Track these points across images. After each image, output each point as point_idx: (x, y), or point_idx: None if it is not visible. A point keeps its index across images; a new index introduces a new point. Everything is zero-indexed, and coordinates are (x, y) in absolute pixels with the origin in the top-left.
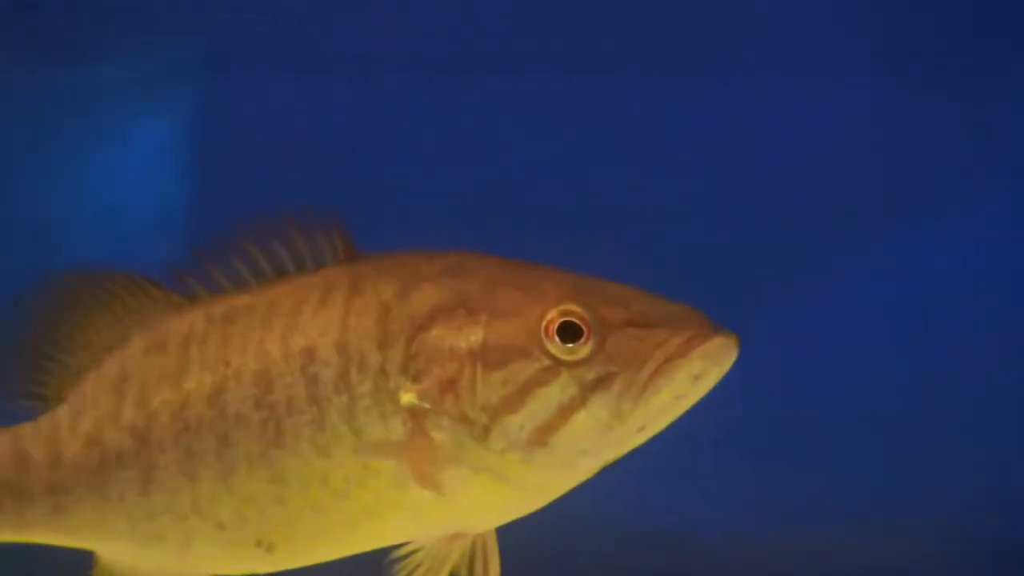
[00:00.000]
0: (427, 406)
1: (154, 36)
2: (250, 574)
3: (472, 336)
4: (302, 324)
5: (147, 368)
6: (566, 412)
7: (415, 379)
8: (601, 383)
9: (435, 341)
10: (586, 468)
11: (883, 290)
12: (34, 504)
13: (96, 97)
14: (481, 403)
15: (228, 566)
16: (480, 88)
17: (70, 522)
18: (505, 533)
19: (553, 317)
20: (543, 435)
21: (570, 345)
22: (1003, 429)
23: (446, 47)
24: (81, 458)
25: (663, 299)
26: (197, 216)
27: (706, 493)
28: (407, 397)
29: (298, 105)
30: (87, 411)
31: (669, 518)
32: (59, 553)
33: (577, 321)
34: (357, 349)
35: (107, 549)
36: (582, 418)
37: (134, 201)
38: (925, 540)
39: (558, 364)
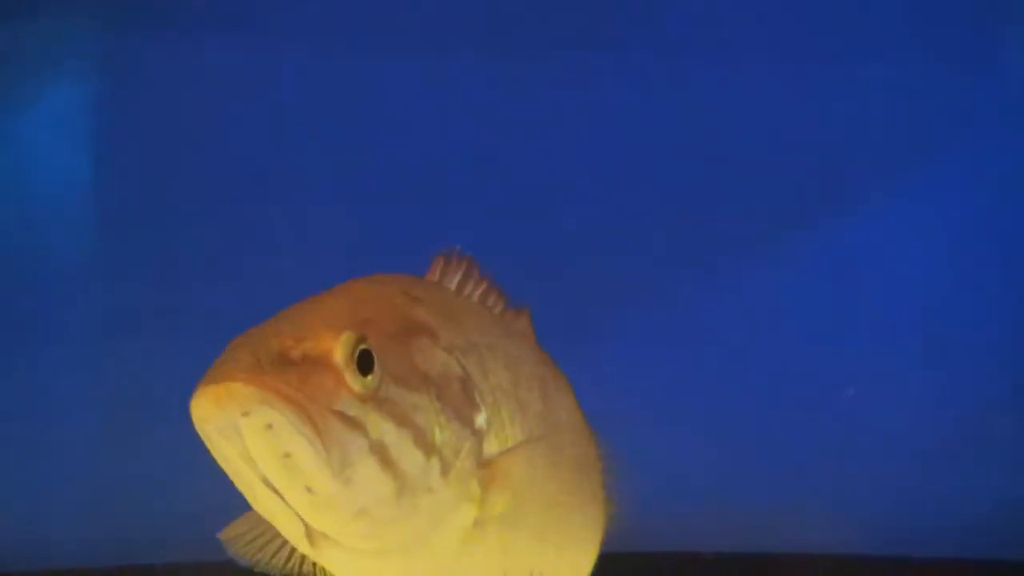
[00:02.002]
0: None
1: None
2: None
3: None
4: None
5: None
6: None
7: None
8: None
9: None
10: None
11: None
12: None
13: None
14: None
15: None
16: (397, 63)
17: None
18: None
19: None
20: None
21: None
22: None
23: (362, 15)
24: None
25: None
26: (99, 184)
27: None
28: None
29: (204, 68)
30: None
31: None
32: None
33: None
34: None
35: None
36: None
37: (34, 170)
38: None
39: None
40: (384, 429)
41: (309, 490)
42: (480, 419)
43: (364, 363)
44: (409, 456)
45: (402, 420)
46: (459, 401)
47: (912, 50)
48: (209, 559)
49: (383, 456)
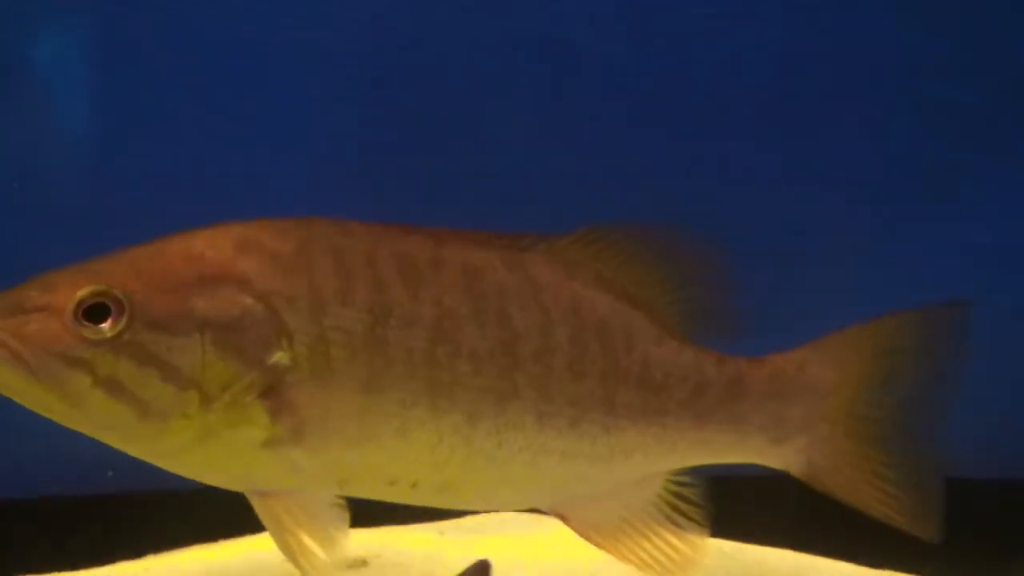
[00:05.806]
0: None
1: None
2: None
3: None
4: None
5: None
6: None
7: None
8: None
9: None
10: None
11: None
12: None
13: None
14: None
15: None
16: None
17: None
18: None
19: None
20: None
21: None
22: None
23: None
24: None
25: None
26: (97, 139)
27: None
28: None
29: (198, 18)
30: None
31: None
32: None
33: None
34: None
35: None
36: None
37: (31, 121)
38: None
39: None
40: (119, 367)
41: (48, 410)
42: (279, 357)
43: (98, 313)
44: (153, 389)
45: (147, 360)
46: (248, 342)
47: None
48: None
49: (114, 389)
